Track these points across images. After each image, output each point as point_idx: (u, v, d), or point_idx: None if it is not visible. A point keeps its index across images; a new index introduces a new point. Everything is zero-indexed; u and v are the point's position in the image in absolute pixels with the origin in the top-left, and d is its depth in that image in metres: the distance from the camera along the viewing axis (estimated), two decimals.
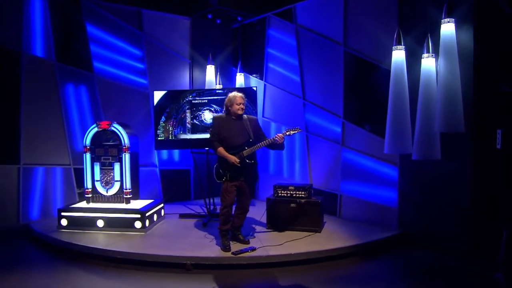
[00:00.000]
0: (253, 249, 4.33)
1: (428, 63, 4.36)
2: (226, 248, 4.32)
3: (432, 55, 4.35)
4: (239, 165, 4.30)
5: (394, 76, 4.50)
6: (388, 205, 5.23)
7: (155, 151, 6.77)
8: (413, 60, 4.61)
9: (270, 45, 7.02)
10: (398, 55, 4.48)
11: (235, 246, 4.44)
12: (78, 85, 6.13)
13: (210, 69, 7.12)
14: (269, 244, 4.51)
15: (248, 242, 4.55)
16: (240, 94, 4.46)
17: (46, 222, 5.50)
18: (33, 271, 4.16)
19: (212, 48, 7.38)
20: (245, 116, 4.50)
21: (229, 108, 4.44)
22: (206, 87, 6.99)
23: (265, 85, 7.12)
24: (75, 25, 6.09)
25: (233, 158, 4.31)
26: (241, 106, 4.40)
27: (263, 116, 7.12)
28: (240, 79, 7.31)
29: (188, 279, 3.97)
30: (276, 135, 4.30)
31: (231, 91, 4.66)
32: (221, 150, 4.38)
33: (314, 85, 6.24)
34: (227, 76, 7.69)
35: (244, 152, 4.35)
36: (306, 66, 6.34)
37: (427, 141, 4.38)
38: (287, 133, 4.33)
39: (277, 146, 4.39)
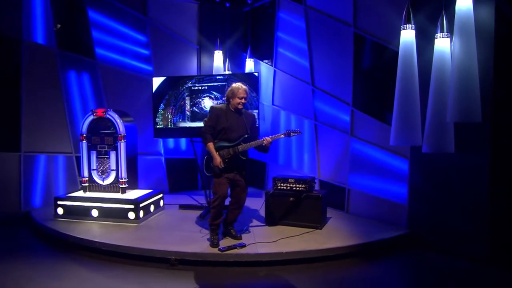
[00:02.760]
0: (243, 245, 4.06)
1: (441, 44, 3.85)
2: (214, 244, 4.08)
3: (446, 35, 3.82)
4: (221, 166, 4.09)
5: (402, 59, 4.00)
6: (398, 201, 4.79)
7: (161, 139, 6.61)
8: (424, 40, 4.12)
9: (280, 29, 6.62)
10: (407, 35, 3.97)
11: (225, 242, 4.21)
12: (80, 72, 6.02)
13: (218, 55, 6.83)
14: (263, 240, 4.24)
15: (240, 238, 4.29)
16: (244, 87, 4.18)
17: (46, 211, 5.47)
18: (22, 259, 4.10)
19: (221, 33, 7.08)
20: (244, 110, 4.29)
21: (230, 99, 4.20)
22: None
23: (275, 71, 6.75)
24: (77, 11, 5.96)
25: (218, 160, 4.09)
26: (243, 101, 4.16)
27: (272, 104, 6.78)
28: (249, 65, 6.99)
29: (171, 275, 3.77)
30: (264, 138, 4.13)
31: (232, 78, 4.39)
32: (210, 145, 4.15)
33: (323, 70, 5.81)
34: (236, 62, 7.37)
35: (240, 147, 4.15)
36: (315, 50, 5.92)
37: (439, 132, 3.90)
38: (281, 136, 4.22)
39: (262, 148, 4.21)
